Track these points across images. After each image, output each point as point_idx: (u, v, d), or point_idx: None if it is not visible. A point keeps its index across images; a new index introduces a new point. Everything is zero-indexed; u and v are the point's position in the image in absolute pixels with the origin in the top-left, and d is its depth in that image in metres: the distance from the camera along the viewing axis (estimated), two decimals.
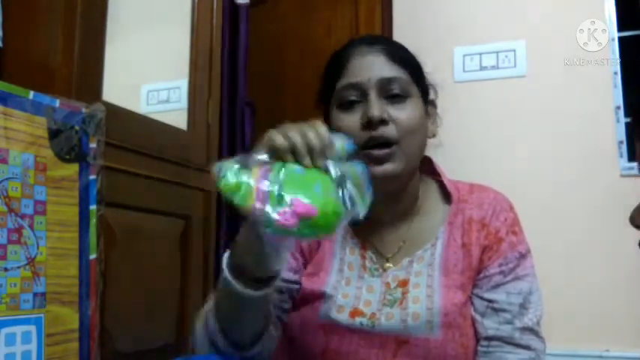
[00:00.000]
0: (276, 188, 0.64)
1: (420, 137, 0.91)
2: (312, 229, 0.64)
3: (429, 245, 0.92)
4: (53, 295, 1.07)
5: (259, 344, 0.84)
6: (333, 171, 0.68)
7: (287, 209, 0.63)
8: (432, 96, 0.98)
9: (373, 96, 0.87)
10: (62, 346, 1.09)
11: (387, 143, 0.87)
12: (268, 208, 0.63)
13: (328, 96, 0.93)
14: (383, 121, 0.86)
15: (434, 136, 0.96)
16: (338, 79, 0.91)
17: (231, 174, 0.65)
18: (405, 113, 0.88)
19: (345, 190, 0.67)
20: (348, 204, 0.66)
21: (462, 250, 0.91)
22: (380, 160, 0.86)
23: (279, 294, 0.92)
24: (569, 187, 2.47)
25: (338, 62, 0.93)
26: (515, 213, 0.94)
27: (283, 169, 0.66)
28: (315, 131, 0.69)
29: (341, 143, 0.71)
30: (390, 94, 0.88)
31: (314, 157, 0.68)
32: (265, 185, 0.64)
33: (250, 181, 0.64)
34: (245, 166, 0.66)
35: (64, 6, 1.41)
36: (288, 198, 0.63)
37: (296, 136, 0.68)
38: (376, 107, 0.86)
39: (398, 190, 0.92)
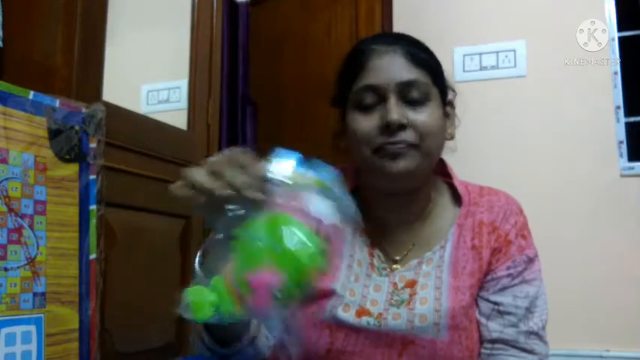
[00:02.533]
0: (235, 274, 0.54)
1: (438, 139, 0.89)
2: (295, 289, 0.53)
3: (437, 247, 0.92)
4: (53, 295, 1.07)
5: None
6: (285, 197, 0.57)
7: (250, 293, 0.52)
8: (450, 96, 0.95)
9: (393, 100, 0.85)
10: (62, 346, 1.08)
11: (404, 143, 0.85)
12: (238, 304, 0.54)
13: (344, 96, 0.91)
14: (402, 126, 0.84)
15: (452, 138, 0.95)
16: (355, 80, 0.88)
17: (195, 297, 0.56)
18: (424, 116, 0.86)
19: (319, 213, 0.57)
20: (329, 224, 0.57)
21: (471, 252, 0.90)
22: (394, 156, 0.84)
23: None
24: (569, 187, 2.47)
25: (355, 62, 0.89)
26: (524, 217, 0.94)
27: (239, 242, 0.56)
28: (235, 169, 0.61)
29: (287, 163, 0.60)
30: (410, 98, 0.86)
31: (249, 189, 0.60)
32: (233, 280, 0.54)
33: (220, 288, 0.55)
34: (205, 276, 0.57)
35: (64, 6, 1.41)
36: (248, 279, 0.53)
37: (206, 182, 0.62)
38: (395, 112, 0.83)
39: (411, 192, 0.91)
